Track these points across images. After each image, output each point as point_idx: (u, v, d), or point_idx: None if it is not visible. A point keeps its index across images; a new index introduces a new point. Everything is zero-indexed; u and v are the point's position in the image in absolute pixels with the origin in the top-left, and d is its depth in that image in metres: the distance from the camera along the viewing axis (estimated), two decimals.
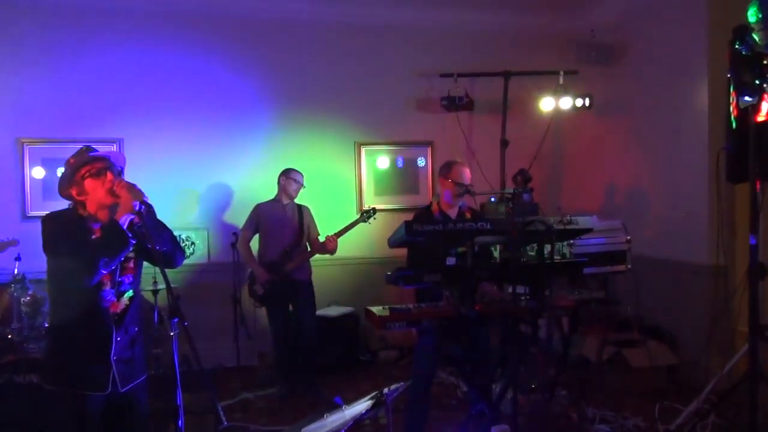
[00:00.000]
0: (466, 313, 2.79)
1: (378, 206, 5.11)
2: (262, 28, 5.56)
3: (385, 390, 2.03)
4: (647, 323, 4.93)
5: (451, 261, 2.74)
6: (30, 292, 4.03)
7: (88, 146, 2.45)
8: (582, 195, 6.15)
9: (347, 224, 4.66)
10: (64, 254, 2.23)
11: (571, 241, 3.24)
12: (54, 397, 2.29)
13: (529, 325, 3.10)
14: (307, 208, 4.82)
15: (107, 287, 2.32)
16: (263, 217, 4.71)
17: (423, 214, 3.56)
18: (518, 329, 3.12)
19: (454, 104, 5.65)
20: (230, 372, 5.07)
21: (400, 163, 6.00)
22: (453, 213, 3.47)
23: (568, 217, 2.87)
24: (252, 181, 5.42)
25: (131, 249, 2.32)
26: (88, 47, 5.23)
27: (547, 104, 5.66)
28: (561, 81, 5.58)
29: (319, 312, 5.00)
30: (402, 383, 2.16)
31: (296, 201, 4.79)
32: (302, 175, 4.77)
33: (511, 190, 3.75)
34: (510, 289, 2.99)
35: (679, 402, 4.05)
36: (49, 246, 2.28)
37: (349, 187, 5.85)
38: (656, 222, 5.14)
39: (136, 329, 2.44)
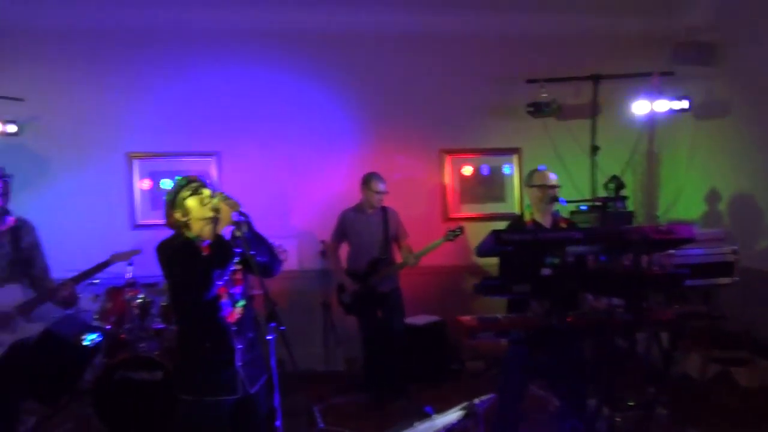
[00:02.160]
0: (557, 325, 2.72)
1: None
2: (346, 43, 5.70)
3: (476, 401, 2.03)
4: (759, 340, 4.57)
5: (546, 272, 2.68)
6: (141, 296, 4.35)
7: (180, 177, 2.63)
8: (681, 203, 5.81)
9: (432, 245, 4.68)
10: (181, 274, 2.42)
11: (671, 252, 3.08)
12: (188, 406, 2.47)
13: (626, 339, 2.98)
14: (393, 211, 4.85)
15: (224, 299, 2.49)
16: (348, 226, 4.82)
17: (515, 223, 3.52)
18: (614, 343, 3.01)
19: (540, 110, 5.53)
20: (318, 377, 5.21)
21: (485, 171, 5.95)
22: (546, 223, 3.40)
23: (666, 226, 2.74)
24: (339, 188, 5.56)
25: (237, 259, 2.47)
26: (189, 67, 5.59)
27: (640, 107, 5.42)
28: (656, 83, 5.32)
29: (406, 320, 5.04)
30: (493, 395, 2.14)
31: (383, 205, 4.81)
32: (383, 182, 4.76)
33: (603, 198, 3.65)
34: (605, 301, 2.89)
35: None
36: (168, 271, 2.49)
37: (433, 195, 5.87)
38: None
39: (252, 335, 2.60)
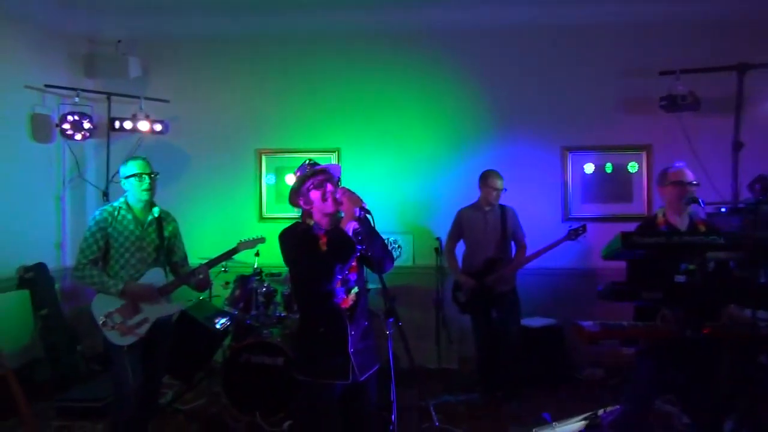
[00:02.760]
0: (692, 336, 2.51)
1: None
2: (464, 38, 5.66)
3: (600, 412, 1.93)
4: None
5: (680, 278, 2.49)
6: (266, 285, 4.62)
7: (311, 159, 2.75)
8: None
9: (552, 243, 4.53)
10: (304, 265, 2.54)
11: None
12: (302, 385, 2.60)
13: None
14: (511, 210, 4.75)
15: (338, 286, 2.58)
16: (465, 224, 4.78)
17: (646, 225, 3.29)
18: (757, 359, 2.73)
19: (675, 104, 5.12)
20: (430, 373, 5.23)
21: (609, 169, 5.64)
22: (682, 225, 3.15)
23: None
24: (457, 186, 5.52)
25: (358, 254, 2.55)
26: (312, 67, 5.84)
27: None
28: None
29: (522, 321, 4.92)
30: (618, 407, 2.03)
31: (501, 203, 4.74)
32: (501, 179, 4.67)
33: (749, 200, 3.30)
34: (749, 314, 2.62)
35: None
36: (289, 259, 2.62)
37: (554, 193, 5.66)
38: None
39: (366, 323, 2.67)
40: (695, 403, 2.98)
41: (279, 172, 5.92)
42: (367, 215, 2.54)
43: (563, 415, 2.11)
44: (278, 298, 4.70)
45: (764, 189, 4.51)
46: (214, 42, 5.88)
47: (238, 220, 5.85)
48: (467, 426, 4.18)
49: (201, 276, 3.50)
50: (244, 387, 4.19)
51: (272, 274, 4.84)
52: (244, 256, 4.42)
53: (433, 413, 4.07)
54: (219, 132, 5.92)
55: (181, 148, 5.92)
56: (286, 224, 2.71)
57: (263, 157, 5.92)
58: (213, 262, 3.69)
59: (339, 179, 2.73)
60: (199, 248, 4.59)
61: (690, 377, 2.94)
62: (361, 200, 2.52)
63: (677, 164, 3.23)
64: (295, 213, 2.78)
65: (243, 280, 4.72)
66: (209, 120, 5.92)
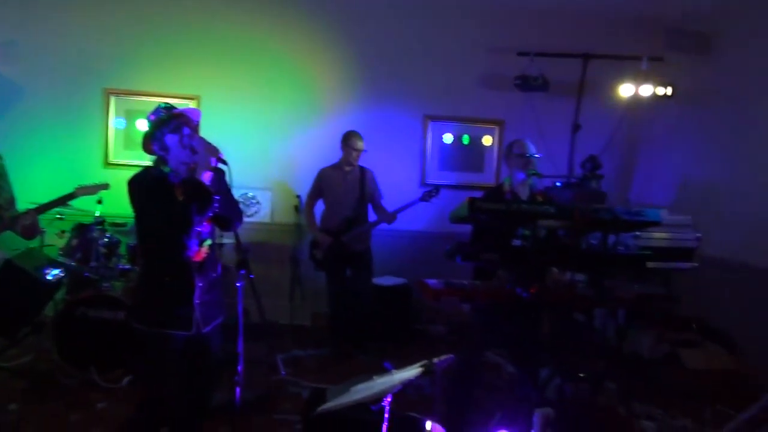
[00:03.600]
0: (522, 295, 2.78)
1: (441, 182, 5.10)
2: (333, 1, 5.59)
3: (435, 360, 2.08)
4: (709, 325, 4.76)
5: (516, 243, 2.73)
6: (108, 235, 4.30)
7: (167, 103, 2.57)
8: (653, 188, 5.92)
9: (408, 202, 4.69)
10: (155, 215, 2.40)
11: (637, 233, 3.16)
12: (141, 336, 2.49)
13: (584, 313, 3.07)
14: (370, 172, 4.85)
15: (191, 238, 2.47)
16: (325, 183, 4.81)
17: (492, 193, 3.53)
18: (573, 317, 3.10)
19: (528, 84, 5.50)
20: (282, 329, 5.27)
21: (466, 140, 5.96)
22: (524, 195, 3.43)
23: (636, 209, 2.80)
24: (319, 145, 5.49)
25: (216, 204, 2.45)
26: (173, 8, 5.42)
27: (625, 90, 5.44)
28: (644, 67, 5.34)
29: (374, 280, 5.09)
30: (451, 355, 2.20)
31: (362, 165, 4.81)
32: (362, 140, 4.73)
33: (579, 176, 3.69)
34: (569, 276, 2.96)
35: (733, 408, 3.92)
36: (138, 207, 2.45)
37: (414, 160, 5.86)
38: (732, 222, 4.89)
39: (214, 275, 2.60)
40: (520, 354, 3.32)
41: (130, 116, 5.48)
42: (224, 167, 2.45)
43: (406, 365, 2.24)
44: (122, 249, 4.41)
45: (593, 167, 5.07)
46: None
47: (80, 164, 5.34)
48: (313, 377, 4.29)
49: (28, 222, 3.16)
50: (79, 342, 3.92)
51: (116, 224, 4.53)
52: (85, 204, 4.08)
53: (281, 365, 4.12)
54: (60, 64, 5.31)
55: (11, 78, 5.22)
56: (136, 172, 2.52)
57: (112, 98, 5.43)
58: (43, 208, 3.36)
59: (197, 124, 2.58)
60: (31, 192, 4.14)
61: (518, 331, 3.27)
62: (218, 150, 2.41)
63: (522, 138, 3.50)
64: (146, 161, 2.60)
65: (81, 229, 4.35)
66: (49, 49, 5.28)
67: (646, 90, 5.36)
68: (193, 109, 2.59)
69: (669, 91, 5.37)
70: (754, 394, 3.82)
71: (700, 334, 4.59)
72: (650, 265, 3.25)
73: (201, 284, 2.51)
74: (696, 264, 3.62)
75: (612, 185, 5.59)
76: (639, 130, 5.96)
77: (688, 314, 4.64)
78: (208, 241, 2.56)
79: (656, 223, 2.90)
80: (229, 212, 2.54)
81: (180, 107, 2.57)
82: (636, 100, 5.48)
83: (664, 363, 4.45)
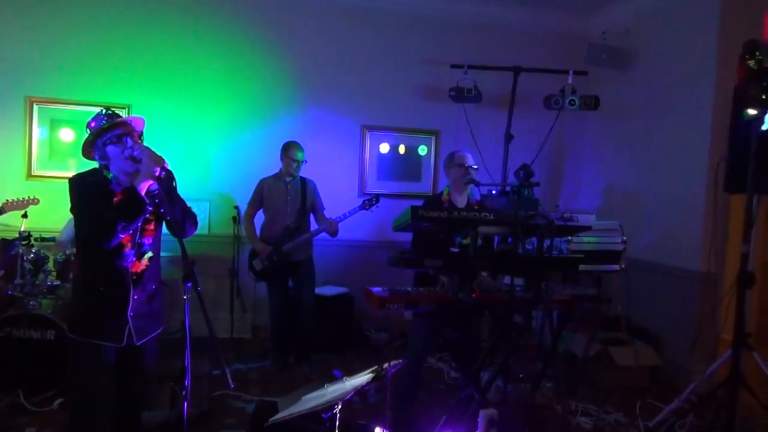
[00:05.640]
0: (464, 300, 2.87)
1: (380, 191, 5.16)
2: (272, 6, 5.59)
3: (386, 365, 2.12)
4: (635, 324, 5.05)
5: (455, 249, 2.81)
6: (34, 251, 4.08)
7: (109, 110, 2.48)
8: (581, 194, 6.24)
9: (349, 210, 4.72)
10: (86, 216, 2.33)
11: (569, 238, 3.32)
12: (75, 346, 2.40)
13: (522, 316, 3.18)
14: (311, 182, 4.84)
15: (128, 248, 2.40)
16: (266, 193, 4.76)
17: (432, 201, 3.63)
18: (512, 320, 3.21)
19: (462, 95, 5.68)
20: (223, 343, 5.15)
21: (402, 150, 6.07)
22: (461, 203, 3.55)
23: (569, 214, 2.96)
24: (257, 155, 5.46)
25: (148, 215, 2.38)
26: (101, 13, 5.24)
27: (553, 102, 5.72)
28: (570, 80, 5.63)
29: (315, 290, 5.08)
30: (401, 360, 2.24)
31: (302, 175, 4.80)
32: (302, 151, 4.72)
33: (514, 184, 3.82)
34: (506, 280, 3.07)
35: (660, 401, 4.18)
36: (75, 206, 2.37)
37: (352, 170, 5.91)
38: (652, 226, 5.24)
39: (154, 287, 2.53)
40: (463, 357, 3.41)
41: (54, 125, 5.23)
42: (169, 176, 2.39)
43: (352, 373, 2.26)
44: (50, 265, 4.19)
45: (526, 176, 5.26)
46: None
47: (1, 176, 5.04)
48: (258, 391, 4.23)
49: None
50: (5, 364, 3.69)
51: (44, 239, 4.29)
52: (9, 218, 3.86)
53: (229, 378, 4.03)
54: None
55: None
56: (60, 184, 2.43)
57: (35, 107, 5.17)
58: None
59: (141, 133, 2.50)
60: None
61: (460, 335, 3.36)
62: (163, 160, 2.34)
63: (461, 150, 3.64)
64: (70, 172, 2.51)
65: (5, 245, 4.11)
66: None
67: (573, 102, 5.65)
68: (138, 117, 2.51)
69: (593, 103, 5.68)
70: (678, 388, 4.10)
71: (628, 333, 4.86)
72: (582, 267, 3.43)
73: (137, 297, 2.44)
74: (623, 266, 3.83)
75: (543, 193, 5.85)
76: (567, 140, 6.27)
77: (617, 314, 4.91)
78: (149, 254, 2.49)
79: (588, 228, 3.08)
80: (180, 216, 2.45)
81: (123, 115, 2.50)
82: (564, 112, 5.76)
83: (596, 361, 4.69)
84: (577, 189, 6.29)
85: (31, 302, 3.92)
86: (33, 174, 5.15)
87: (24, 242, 4.06)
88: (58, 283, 4.09)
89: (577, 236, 3.45)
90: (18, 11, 5.08)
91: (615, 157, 5.91)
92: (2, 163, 5.09)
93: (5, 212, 3.45)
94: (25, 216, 4.08)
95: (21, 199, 3.61)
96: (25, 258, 4.03)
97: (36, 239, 4.20)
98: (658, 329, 4.99)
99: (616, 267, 3.83)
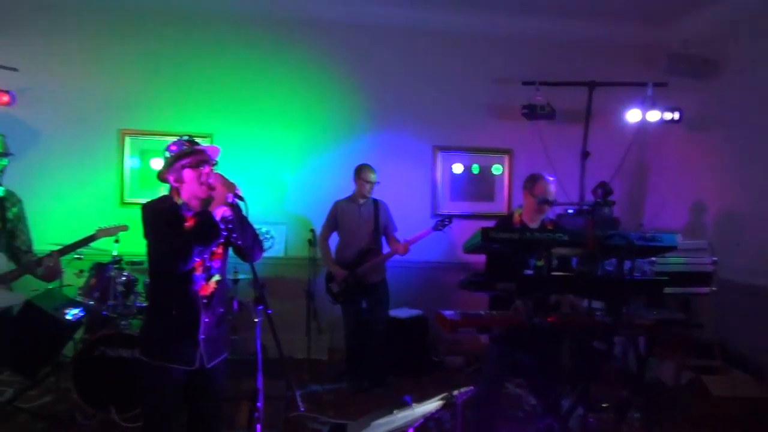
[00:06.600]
0: (539, 324, 2.77)
1: (452, 212, 5.12)
2: (343, 32, 5.73)
3: (455, 392, 2.07)
4: (732, 351, 4.68)
5: (528, 272, 2.73)
6: (125, 274, 4.34)
7: (190, 137, 2.62)
8: (666, 212, 5.90)
9: (421, 232, 4.71)
10: (161, 241, 2.42)
11: (653, 259, 3.15)
12: (146, 369, 2.49)
13: (603, 341, 3.03)
14: (384, 204, 4.89)
15: (198, 272, 2.48)
16: (340, 216, 4.84)
17: (503, 222, 3.55)
18: (592, 345, 3.06)
19: (534, 113, 5.58)
20: (300, 364, 5.24)
21: (476, 169, 6.00)
22: (535, 224, 3.44)
23: (651, 234, 2.80)
24: (332, 178, 5.56)
25: (221, 241, 2.47)
26: (185, 48, 5.58)
27: (633, 116, 5.49)
28: (649, 93, 5.39)
29: (390, 312, 5.08)
30: (472, 387, 2.18)
31: (374, 197, 4.86)
32: (374, 173, 4.80)
33: (591, 203, 3.69)
34: (586, 304, 2.94)
35: None
36: (148, 232, 2.47)
37: (425, 190, 5.91)
38: (751, 246, 4.85)
39: (222, 310, 2.60)
40: (540, 385, 3.28)
41: (144, 156, 5.58)
42: (240, 202, 2.48)
43: (425, 398, 2.23)
44: (139, 287, 4.45)
45: (604, 194, 5.07)
46: (71, 5, 5.41)
47: (96, 204, 5.43)
48: (333, 413, 4.25)
49: (51, 264, 3.20)
50: (98, 382, 3.91)
51: (133, 263, 4.56)
52: (103, 243, 4.13)
53: (299, 400, 4.09)
54: (76, 107, 5.45)
55: (28, 123, 5.36)
56: (151, 199, 2.56)
57: (127, 138, 5.55)
58: (66, 249, 3.41)
59: (216, 162, 2.62)
60: (48, 233, 4.22)
61: (536, 361, 3.24)
62: (236, 186, 2.44)
63: (546, 182, 3.44)
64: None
65: (99, 269, 4.39)
66: (65, 93, 5.43)
67: (654, 115, 5.40)
68: (213, 147, 2.63)
69: (676, 115, 5.40)
70: None
71: (724, 361, 4.51)
72: (668, 290, 3.23)
73: (207, 319, 2.51)
74: (714, 288, 3.58)
75: (624, 211, 5.59)
76: (648, 155, 5.98)
77: (710, 340, 4.57)
78: (217, 277, 2.57)
79: (672, 248, 2.89)
80: (250, 242, 2.53)
81: (202, 143, 2.62)
82: (644, 126, 5.51)
83: (687, 390, 4.37)
84: (662, 206, 5.95)
85: (122, 322, 4.16)
86: (125, 201, 5.51)
87: (116, 266, 4.35)
88: (146, 304, 4.31)
89: (662, 257, 3.27)
90: (108, 53, 5.49)
91: (704, 172, 5.56)
92: (98, 191, 5.48)
93: (98, 238, 3.70)
94: (116, 241, 4.35)
95: (112, 226, 3.87)
96: (117, 281, 4.30)
97: (127, 263, 4.48)
98: (759, 358, 4.59)
99: (706, 289, 3.60)
